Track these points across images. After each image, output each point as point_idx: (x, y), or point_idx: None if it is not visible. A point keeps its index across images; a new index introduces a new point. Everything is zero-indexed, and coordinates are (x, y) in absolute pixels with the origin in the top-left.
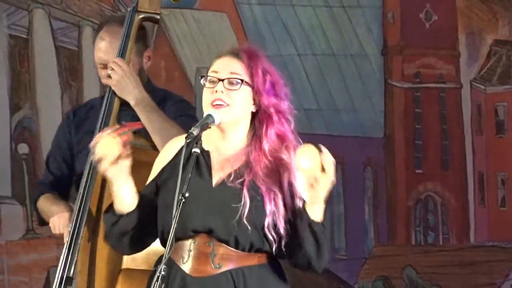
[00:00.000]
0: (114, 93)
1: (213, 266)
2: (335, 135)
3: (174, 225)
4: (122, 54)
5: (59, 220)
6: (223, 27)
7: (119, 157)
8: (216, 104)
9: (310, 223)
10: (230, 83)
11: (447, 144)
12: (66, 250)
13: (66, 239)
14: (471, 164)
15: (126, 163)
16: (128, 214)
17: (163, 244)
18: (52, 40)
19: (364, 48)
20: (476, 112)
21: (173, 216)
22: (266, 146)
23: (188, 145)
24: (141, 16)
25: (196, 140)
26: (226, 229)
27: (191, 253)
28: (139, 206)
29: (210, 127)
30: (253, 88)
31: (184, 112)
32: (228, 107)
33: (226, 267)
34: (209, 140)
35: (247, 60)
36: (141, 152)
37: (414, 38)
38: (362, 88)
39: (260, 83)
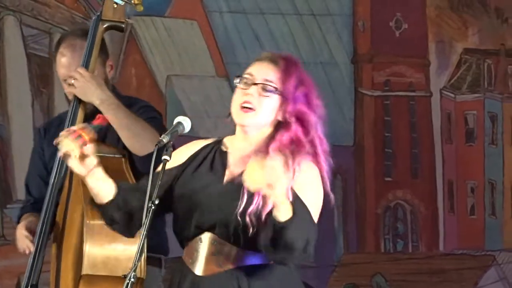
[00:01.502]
0: (78, 103)
1: (218, 264)
2: None
3: (144, 231)
4: (86, 63)
5: (19, 242)
6: (194, 35)
7: (83, 156)
8: (244, 107)
9: (274, 225)
10: (263, 89)
11: (416, 152)
12: (31, 259)
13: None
14: (440, 172)
15: (92, 160)
16: (109, 202)
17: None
18: (23, 47)
19: (334, 56)
20: (446, 121)
21: (142, 223)
22: (273, 145)
23: (159, 152)
24: (105, 25)
25: (166, 147)
26: (227, 225)
27: (198, 253)
28: (119, 193)
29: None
30: (283, 96)
31: (149, 115)
32: (254, 113)
33: (230, 266)
34: (233, 140)
35: (284, 67)
36: (107, 160)
37: (384, 46)
38: (332, 96)
39: (291, 90)
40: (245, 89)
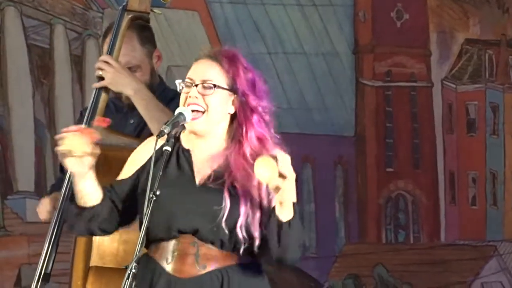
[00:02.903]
0: (99, 93)
1: (197, 266)
2: (306, 133)
3: (145, 223)
4: (110, 53)
5: (39, 208)
6: (194, 26)
7: (84, 155)
8: (194, 111)
9: (278, 226)
10: (204, 88)
11: (418, 142)
12: (46, 247)
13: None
14: (442, 163)
15: (90, 160)
16: (94, 206)
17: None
18: (24, 38)
19: (335, 47)
20: (447, 111)
21: (144, 214)
22: (246, 149)
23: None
24: (130, 16)
25: (168, 138)
26: (211, 231)
27: (175, 254)
28: (104, 198)
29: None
30: (232, 90)
31: None
32: (205, 114)
33: (210, 267)
34: (188, 139)
35: (226, 62)
36: (117, 150)
37: (385, 37)
38: (333, 87)
39: (244, 84)
40: (187, 92)
